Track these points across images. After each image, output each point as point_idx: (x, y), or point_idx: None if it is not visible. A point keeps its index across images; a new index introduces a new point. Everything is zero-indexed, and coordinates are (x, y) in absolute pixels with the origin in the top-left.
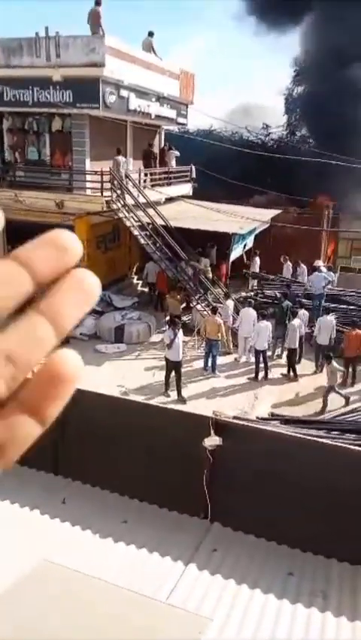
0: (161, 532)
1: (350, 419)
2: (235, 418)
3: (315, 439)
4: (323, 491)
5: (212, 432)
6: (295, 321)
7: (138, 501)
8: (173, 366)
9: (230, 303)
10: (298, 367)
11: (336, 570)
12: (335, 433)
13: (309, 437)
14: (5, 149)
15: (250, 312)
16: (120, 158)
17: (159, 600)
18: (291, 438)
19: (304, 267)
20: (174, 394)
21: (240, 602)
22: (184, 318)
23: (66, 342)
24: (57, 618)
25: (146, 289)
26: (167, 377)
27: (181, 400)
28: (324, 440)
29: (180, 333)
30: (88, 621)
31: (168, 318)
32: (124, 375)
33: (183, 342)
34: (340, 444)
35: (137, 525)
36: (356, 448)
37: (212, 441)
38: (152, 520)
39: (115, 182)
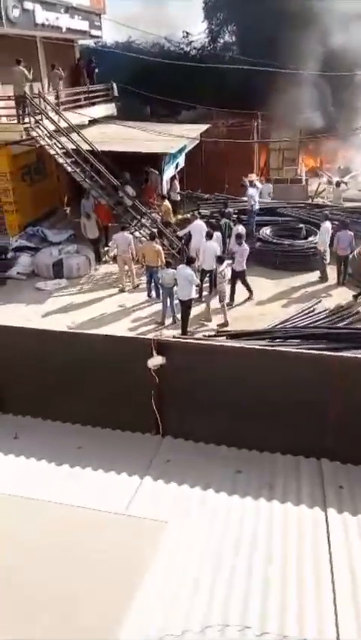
0: (116, 452)
1: (290, 326)
2: (175, 337)
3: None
4: (263, 393)
5: (154, 352)
6: (239, 227)
7: (91, 427)
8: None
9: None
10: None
11: (281, 463)
12: (279, 340)
13: (240, 345)
14: None
15: (211, 245)
16: (18, 68)
17: (118, 512)
18: (225, 348)
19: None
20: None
21: (194, 504)
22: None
23: (3, 283)
24: (19, 544)
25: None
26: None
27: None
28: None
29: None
30: (49, 542)
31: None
32: (68, 311)
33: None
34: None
35: (92, 449)
36: (292, 350)
37: (155, 361)
38: (106, 443)
39: (30, 107)
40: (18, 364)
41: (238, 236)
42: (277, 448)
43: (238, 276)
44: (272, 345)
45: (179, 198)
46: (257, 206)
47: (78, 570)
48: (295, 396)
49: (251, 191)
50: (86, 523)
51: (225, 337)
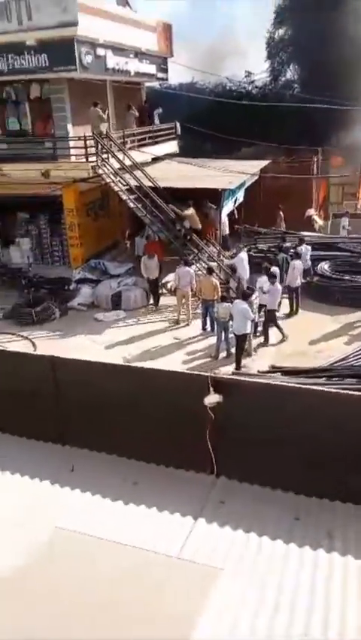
0: (170, 490)
1: (348, 365)
2: (233, 374)
3: (311, 387)
4: (324, 437)
5: (211, 390)
6: (296, 262)
7: (145, 463)
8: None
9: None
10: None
11: (340, 511)
12: (336, 379)
13: (305, 386)
14: None
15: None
16: (95, 110)
17: (172, 555)
18: (286, 388)
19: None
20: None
21: (249, 551)
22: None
23: (65, 313)
24: (74, 583)
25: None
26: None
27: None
28: (323, 388)
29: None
30: (105, 583)
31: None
32: (125, 342)
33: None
34: (338, 390)
35: (146, 486)
36: (357, 393)
37: (212, 398)
38: (160, 480)
39: (99, 146)
40: (78, 397)
41: (272, 276)
42: (336, 496)
43: (268, 316)
44: (329, 385)
45: (227, 232)
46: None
47: (129, 613)
48: (356, 441)
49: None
50: (138, 564)
51: (279, 374)
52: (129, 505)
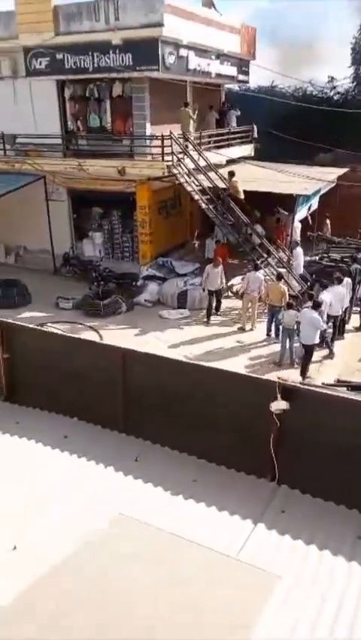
0: (229, 492)
1: None
2: (301, 384)
3: None
4: None
5: (278, 396)
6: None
7: (206, 461)
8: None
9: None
10: None
11: None
12: None
13: None
14: (68, 117)
15: (339, 290)
16: (185, 110)
17: (230, 556)
18: (357, 402)
19: None
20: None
21: (309, 562)
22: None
23: (131, 308)
24: (133, 570)
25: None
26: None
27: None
28: None
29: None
30: (162, 573)
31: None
32: (187, 341)
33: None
34: None
35: (206, 484)
36: None
37: (279, 405)
38: (220, 480)
39: (176, 146)
40: (146, 390)
41: (316, 305)
42: None
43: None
44: None
45: (299, 239)
46: None
47: (185, 609)
48: None
49: None
50: (197, 560)
51: (346, 388)
52: (189, 500)
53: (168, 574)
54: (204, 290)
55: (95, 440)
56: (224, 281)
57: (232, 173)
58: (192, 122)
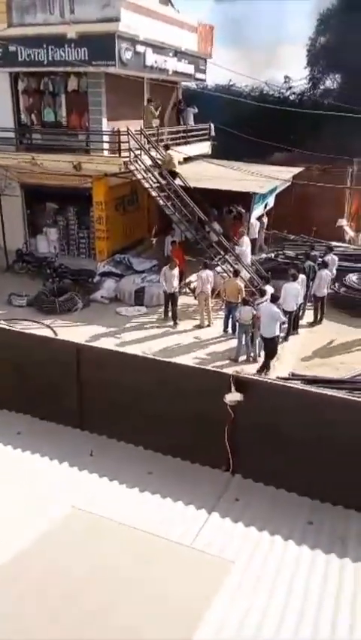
0: (184, 483)
1: None
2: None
3: (334, 394)
4: (342, 444)
5: (233, 388)
6: (323, 271)
7: (161, 454)
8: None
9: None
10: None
11: (355, 520)
12: (358, 392)
13: (329, 393)
14: (21, 111)
15: (294, 286)
16: (147, 106)
17: (184, 544)
18: (309, 393)
19: None
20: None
21: (261, 548)
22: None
23: (87, 305)
24: (87, 561)
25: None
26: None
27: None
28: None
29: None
30: (115, 563)
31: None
32: (144, 338)
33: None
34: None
35: (161, 476)
36: None
37: (233, 397)
38: (175, 472)
39: (133, 142)
40: (100, 385)
41: (274, 299)
42: (352, 505)
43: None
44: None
45: (257, 236)
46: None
47: (140, 598)
48: None
49: None
50: (152, 550)
51: (300, 382)
52: (144, 493)
53: (119, 564)
54: (165, 292)
55: (50, 435)
56: (179, 284)
57: (166, 147)
58: (154, 119)
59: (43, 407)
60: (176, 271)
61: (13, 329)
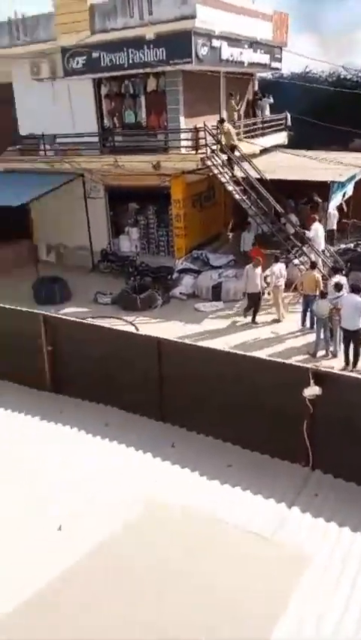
0: (263, 476)
1: None
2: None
3: None
4: None
5: (311, 382)
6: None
7: (240, 447)
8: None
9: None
10: None
11: None
12: None
13: None
14: (104, 115)
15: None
16: (231, 100)
17: (265, 537)
18: None
19: None
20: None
21: (341, 544)
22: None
23: (167, 301)
24: (168, 551)
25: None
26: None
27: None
28: None
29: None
30: (196, 555)
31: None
32: (222, 333)
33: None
34: None
35: (241, 469)
36: None
37: (312, 391)
38: (254, 465)
39: (209, 138)
40: (178, 378)
41: (357, 289)
42: None
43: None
44: None
45: (335, 226)
46: None
47: (220, 587)
48: None
49: None
50: (232, 542)
51: None
52: (225, 485)
53: (199, 555)
54: (244, 295)
55: (133, 427)
56: (264, 284)
57: (221, 120)
58: (235, 113)
59: (128, 399)
60: (259, 270)
61: (101, 325)
